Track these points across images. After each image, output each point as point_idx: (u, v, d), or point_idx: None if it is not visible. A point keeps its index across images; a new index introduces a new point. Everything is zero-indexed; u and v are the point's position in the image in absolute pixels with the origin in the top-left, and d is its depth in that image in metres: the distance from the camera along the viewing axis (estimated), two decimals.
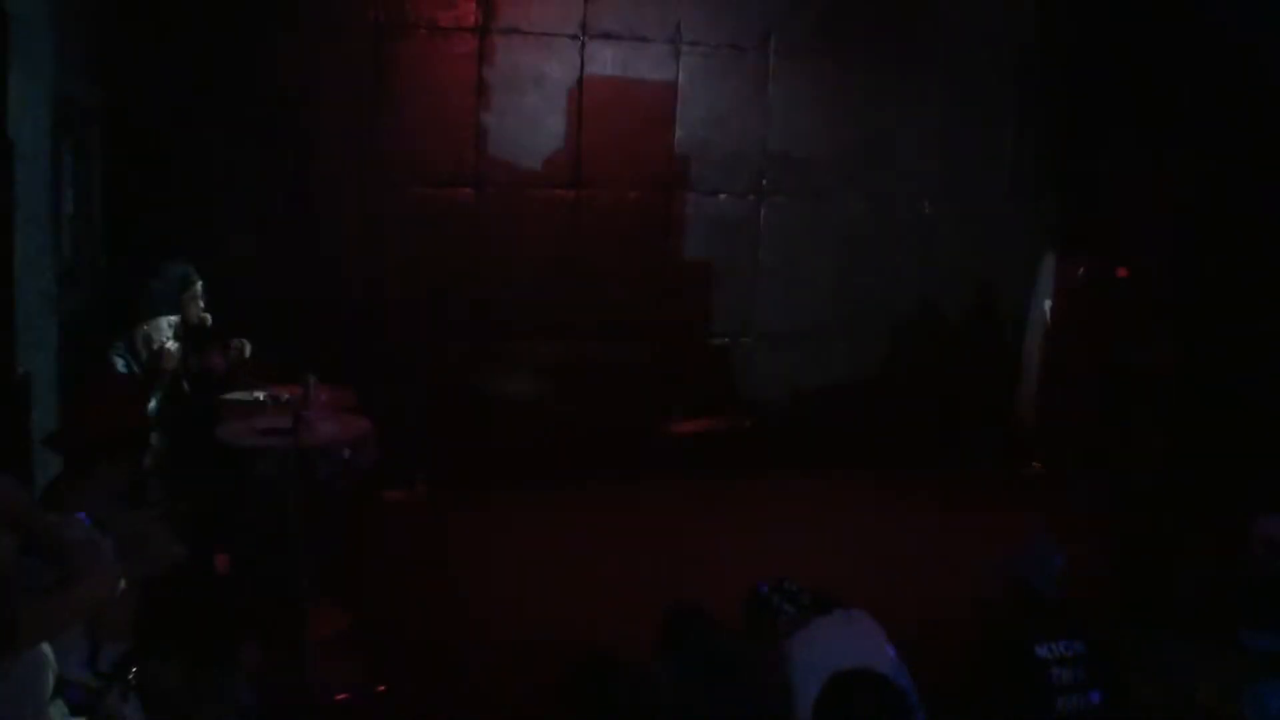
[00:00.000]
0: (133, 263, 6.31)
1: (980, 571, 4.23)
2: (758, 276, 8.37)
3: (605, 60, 7.73)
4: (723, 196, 8.20)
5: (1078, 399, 8.20)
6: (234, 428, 5.09)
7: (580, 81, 7.70)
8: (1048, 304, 8.30)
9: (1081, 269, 8.23)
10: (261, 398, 5.56)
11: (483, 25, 7.45)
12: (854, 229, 8.42)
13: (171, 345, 5.65)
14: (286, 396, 5.40)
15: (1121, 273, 8.20)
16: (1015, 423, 8.53)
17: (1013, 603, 4.01)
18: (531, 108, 7.64)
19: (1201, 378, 7.56)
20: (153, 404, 5.50)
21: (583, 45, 7.67)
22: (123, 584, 2.88)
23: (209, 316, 5.99)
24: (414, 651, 5.27)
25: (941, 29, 8.16)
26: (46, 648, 2.88)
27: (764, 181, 8.25)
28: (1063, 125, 8.38)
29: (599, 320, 8.03)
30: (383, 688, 4.90)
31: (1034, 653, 3.79)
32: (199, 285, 5.95)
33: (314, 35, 7.14)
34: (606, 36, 7.69)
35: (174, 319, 5.72)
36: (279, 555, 4.85)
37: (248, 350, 6.01)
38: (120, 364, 5.55)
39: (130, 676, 3.13)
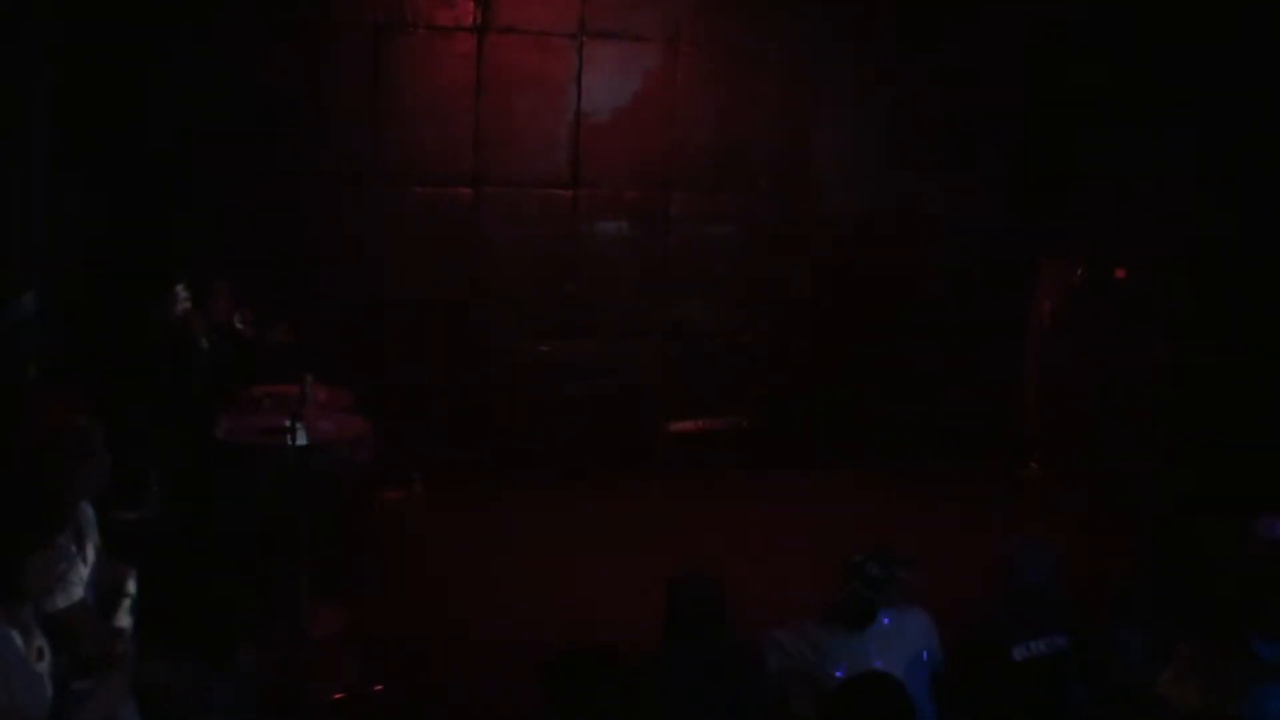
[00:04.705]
0: (132, 262, 6.32)
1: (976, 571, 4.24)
2: (756, 276, 8.37)
3: (603, 59, 7.73)
4: (719, 196, 8.19)
5: (1076, 399, 8.19)
6: (233, 427, 5.09)
7: (579, 81, 7.69)
8: (1046, 304, 8.29)
9: (1080, 269, 8.23)
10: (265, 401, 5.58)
11: (481, 25, 7.45)
12: (851, 228, 8.41)
13: (186, 308, 5.68)
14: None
15: (1120, 273, 8.20)
16: (1013, 423, 8.52)
17: (1000, 602, 4.02)
18: (530, 107, 7.64)
19: (1200, 377, 7.55)
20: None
21: (581, 45, 7.66)
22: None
23: (251, 314, 6.11)
24: (411, 651, 5.27)
25: (940, 30, 8.14)
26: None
27: (761, 181, 8.25)
28: (1062, 125, 8.37)
29: (598, 319, 8.03)
30: (380, 687, 4.90)
31: (1010, 654, 3.81)
32: (227, 283, 6.07)
33: (313, 35, 7.14)
34: (604, 36, 7.69)
35: (182, 289, 5.73)
36: (276, 554, 4.85)
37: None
38: (158, 349, 5.58)
39: None
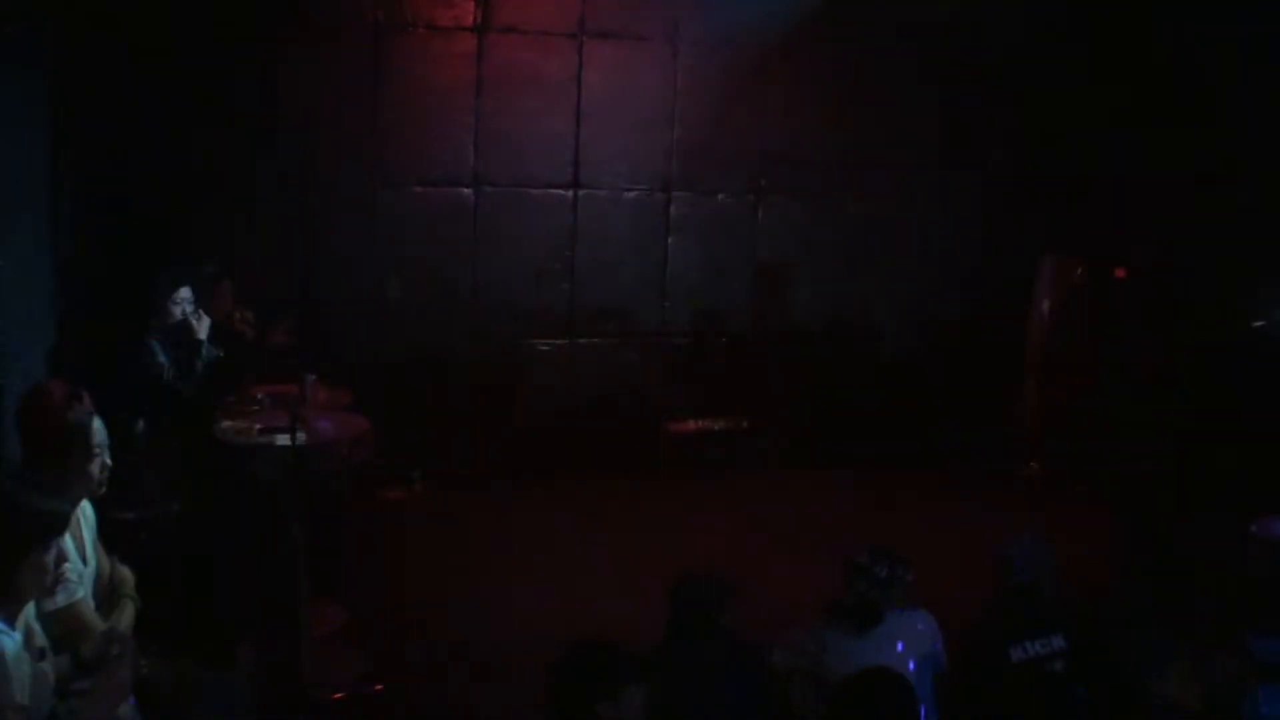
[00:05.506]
0: (131, 262, 6.32)
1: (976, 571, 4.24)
2: (755, 274, 8.37)
3: (603, 59, 7.72)
4: (721, 196, 8.19)
5: (1076, 399, 8.19)
6: (232, 427, 5.08)
7: (579, 81, 7.69)
8: (1046, 304, 8.29)
9: (1080, 269, 8.23)
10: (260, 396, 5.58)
11: (481, 24, 7.45)
12: (851, 229, 8.41)
13: (189, 309, 5.68)
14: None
15: (1119, 273, 8.20)
16: (1013, 423, 8.52)
17: (997, 603, 4.02)
18: (530, 107, 7.63)
19: (1200, 377, 7.55)
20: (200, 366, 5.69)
21: (581, 44, 7.66)
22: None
23: (250, 314, 6.14)
24: (412, 650, 5.27)
25: (940, 29, 8.13)
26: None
27: (762, 181, 8.25)
28: (1062, 125, 8.37)
29: (598, 319, 8.03)
30: (380, 686, 4.89)
31: (1007, 654, 3.81)
32: (228, 283, 6.10)
33: (314, 35, 7.13)
34: (604, 35, 7.68)
35: (186, 290, 5.73)
36: (276, 554, 4.84)
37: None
38: (158, 349, 5.59)
39: None
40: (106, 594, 3.53)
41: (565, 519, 7.05)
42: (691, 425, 8.18)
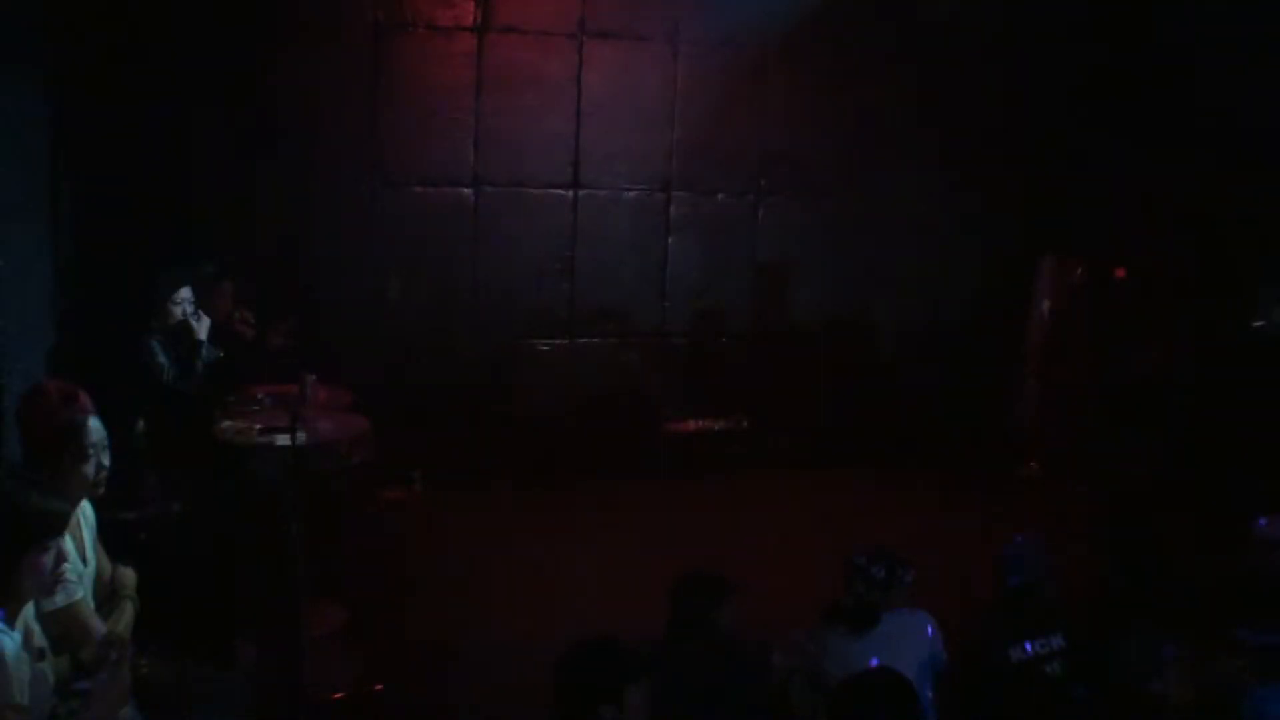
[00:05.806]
0: (131, 262, 6.32)
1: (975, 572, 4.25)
2: (755, 275, 8.37)
3: (603, 59, 7.72)
4: (721, 196, 8.19)
5: (1076, 399, 8.19)
6: (232, 427, 5.08)
7: (579, 81, 7.69)
8: (1046, 304, 8.29)
9: (1080, 269, 8.23)
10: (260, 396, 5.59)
11: (481, 24, 7.45)
12: (851, 229, 8.41)
13: (189, 309, 5.69)
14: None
15: (1119, 273, 8.20)
16: (1013, 423, 8.52)
17: (996, 603, 4.02)
18: (530, 107, 7.64)
19: (1200, 377, 7.55)
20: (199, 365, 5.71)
21: (581, 44, 7.66)
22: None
23: (250, 314, 6.15)
24: (411, 651, 5.27)
25: (941, 30, 8.13)
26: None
27: (762, 181, 8.25)
28: (1062, 125, 8.37)
29: (598, 319, 8.03)
30: (379, 686, 4.90)
31: (1007, 654, 3.81)
32: (229, 284, 6.13)
33: (313, 35, 7.14)
34: (604, 35, 7.69)
35: (186, 290, 5.74)
36: (276, 554, 4.84)
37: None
38: (158, 349, 5.59)
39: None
40: (106, 594, 3.53)
41: (565, 519, 7.05)
42: (691, 425, 8.19)
